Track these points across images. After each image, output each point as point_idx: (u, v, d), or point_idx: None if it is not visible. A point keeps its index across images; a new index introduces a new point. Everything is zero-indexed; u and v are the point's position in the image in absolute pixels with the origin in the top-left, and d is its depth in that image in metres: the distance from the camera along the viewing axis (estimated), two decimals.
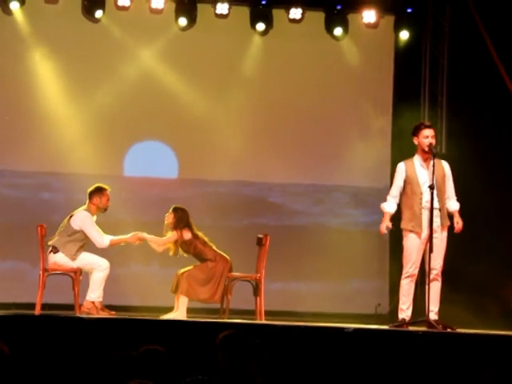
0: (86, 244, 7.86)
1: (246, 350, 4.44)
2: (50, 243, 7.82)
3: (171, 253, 8.06)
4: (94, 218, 7.91)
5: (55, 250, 7.79)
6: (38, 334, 5.96)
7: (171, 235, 7.99)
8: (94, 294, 7.74)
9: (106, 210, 7.93)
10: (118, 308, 8.31)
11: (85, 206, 7.90)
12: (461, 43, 9.79)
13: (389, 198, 7.42)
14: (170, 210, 8.02)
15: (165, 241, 8.00)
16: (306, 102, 10.07)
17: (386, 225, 7.36)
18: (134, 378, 3.91)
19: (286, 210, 10.18)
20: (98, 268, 7.76)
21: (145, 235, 7.96)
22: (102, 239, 7.82)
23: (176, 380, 4.32)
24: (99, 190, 7.89)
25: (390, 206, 7.39)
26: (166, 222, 8.02)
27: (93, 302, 7.73)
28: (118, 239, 7.90)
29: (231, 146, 9.92)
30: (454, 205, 7.35)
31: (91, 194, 7.89)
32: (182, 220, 7.98)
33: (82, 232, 7.81)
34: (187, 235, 7.98)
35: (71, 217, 7.86)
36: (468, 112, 9.70)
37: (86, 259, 7.80)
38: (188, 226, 8.00)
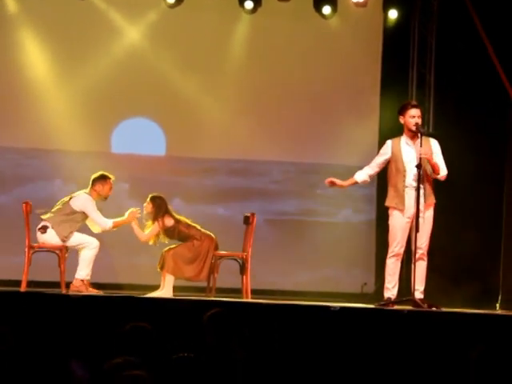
0: (81, 226, 7.86)
1: (232, 327, 4.45)
2: (43, 217, 7.80)
3: (151, 242, 8.04)
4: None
5: (43, 231, 7.77)
6: (23, 311, 5.95)
7: (153, 228, 7.96)
8: (84, 271, 7.76)
9: (106, 198, 7.93)
10: (105, 286, 8.31)
11: (86, 190, 7.89)
12: (449, 22, 9.77)
13: (365, 167, 7.45)
14: (148, 200, 7.99)
15: (148, 236, 7.98)
16: (293, 80, 10.04)
17: (334, 181, 7.47)
18: (120, 355, 3.91)
19: (273, 188, 10.17)
20: (87, 246, 7.77)
21: (132, 225, 7.94)
22: (106, 222, 7.85)
23: (162, 357, 4.33)
24: (103, 178, 7.92)
25: (359, 173, 7.50)
26: (144, 212, 7.99)
27: (82, 280, 7.74)
28: (119, 221, 7.91)
29: (219, 124, 9.90)
30: (442, 169, 7.32)
31: (94, 181, 7.91)
32: (160, 208, 7.96)
33: (81, 213, 7.81)
34: (169, 222, 7.97)
35: (71, 198, 7.84)
36: (456, 91, 9.70)
37: (76, 238, 7.80)
38: (167, 212, 7.98)
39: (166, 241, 8.07)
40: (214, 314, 4.51)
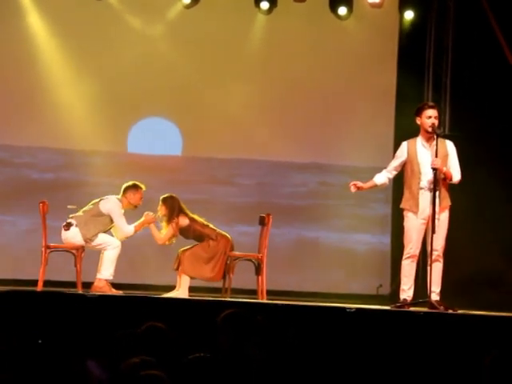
0: (106, 230, 7.87)
1: (247, 328, 4.44)
2: (71, 216, 7.83)
3: (167, 243, 8.04)
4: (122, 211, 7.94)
5: (67, 228, 7.80)
6: (40, 310, 5.97)
7: (168, 230, 7.95)
8: (107, 271, 7.78)
9: (136, 207, 7.96)
10: (121, 286, 8.33)
11: (118, 196, 7.92)
12: (466, 24, 9.74)
13: (383, 170, 7.44)
14: (160, 203, 7.98)
15: (164, 238, 7.98)
16: (309, 81, 10.04)
17: (357, 184, 7.41)
18: (136, 355, 3.91)
19: (290, 188, 10.17)
20: (109, 246, 7.79)
21: (150, 227, 7.97)
22: (128, 228, 7.87)
23: (178, 357, 4.33)
24: (134, 187, 7.94)
25: (378, 176, 7.48)
26: (159, 214, 7.98)
27: (106, 280, 7.76)
28: (138, 224, 7.94)
29: (235, 124, 9.91)
30: (454, 176, 7.30)
31: (126, 189, 7.93)
32: (173, 208, 7.95)
33: (107, 217, 7.83)
34: (184, 221, 7.96)
35: (101, 200, 7.86)
36: (472, 93, 9.67)
37: (98, 239, 7.82)
38: (181, 211, 7.98)
39: (174, 240, 8.04)
40: (228, 315, 4.50)
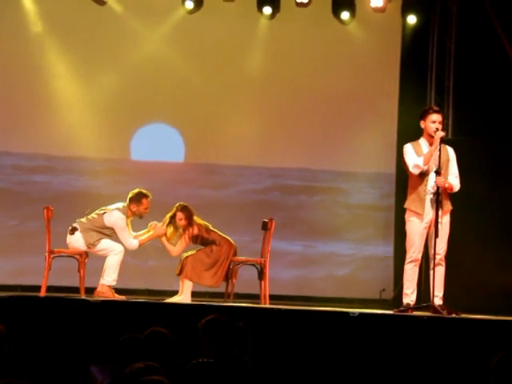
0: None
1: (228, 334, 4.37)
2: (77, 220, 7.83)
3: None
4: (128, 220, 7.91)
5: (72, 232, 7.80)
6: (43, 316, 5.97)
7: (181, 242, 7.91)
8: (110, 277, 7.77)
9: (141, 217, 7.92)
10: (123, 292, 8.32)
11: (124, 204, 7.89)
12: (469, 28, 9.74)
13: (415, 162, 7.22)
14: (180, 213, 7.87)
15: (178, 251, 7.95)
16: (312, 86, 10.04)
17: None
18: (139, 360, 3.92)
19: (292, 194, 10.16)
20: (112, 252, 7.78)
21: (163, 241, 7.93)
22: (132, 242, 7.85)
23: (181, 362, 4.33)
24: (139, 199, 7.86)
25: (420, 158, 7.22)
26: (178, 225, 7.90)
27: (108, 286, 7.76)
28: (144, 238, 7.91)
29: (237, 130, 9.91)
30: (452, 179, 7.29)
31: (131, 199, 7.87)
32: (191, 217, 7.94)
33: (111, 229, 7.82)
34: (195, 230, 7.94)
35: (105, 213, 7.84)
36: (475, 97, 9.67)
37: (101, 245, 7.81)
38: (194, 221, 7.95)
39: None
40: (208, 322, 4.43)
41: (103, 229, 7.82)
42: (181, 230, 7.94)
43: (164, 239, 7.96)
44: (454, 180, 7.28)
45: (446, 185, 7.18)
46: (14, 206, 9.65)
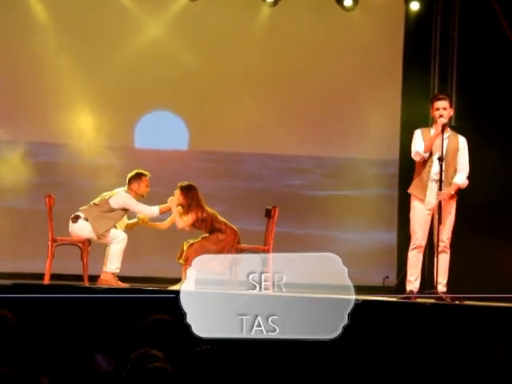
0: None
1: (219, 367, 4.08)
2: (80, 208, 7.81)
3: (187, 229, 7.94)
4: None
5: (74, 220, 7.78)
6: (47, 303, 5.98)
7: (189, 217, 7.81)
8: (114, 264, 7.76)
9: (143, 196, 7.90)
10: (126, 279, 8.33)
11: (124, 188, 7.88)
12: (472, 14, 9.71)
13: (417, 149, 7.22)
14: (177, 190, 7.85)
15: (184, 224, 7.89)
16: (315, 73, 10.02)
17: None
18: (142, 347, 3.92)
19: (296, 181, 10.16)
20: (115, 240, 7.77)
21: (173, 210, 7.82)
22: (151, 209, 7.83)
23: (185, 350, 4.33)
24: (138, 177, 7.86)
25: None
26: (176, 203, 7.89)
27: (112, 273, 7.75)
28: (165, 206, 7.86)
29: (241, 118, 9.89)
30: (458, 177, 7.27)
31: (130, 180, 7.86)
32: (193, 198, 7.85)
33: (119, 211, 7.79)
34: (202, 214, 7.89)
35: (110, 197, 7.78)
36: (478, 84, 9.64)
37: (110, 234, 7.79)
38: (201, 203, 7.89)
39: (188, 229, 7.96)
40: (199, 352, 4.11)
41: (111, 212, 7.76)
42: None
43: (176, 210, 7.87)
44: (458, 178, 7.24)
45: (452, 192, 7.15)
46: (16, 193, 9.64)
